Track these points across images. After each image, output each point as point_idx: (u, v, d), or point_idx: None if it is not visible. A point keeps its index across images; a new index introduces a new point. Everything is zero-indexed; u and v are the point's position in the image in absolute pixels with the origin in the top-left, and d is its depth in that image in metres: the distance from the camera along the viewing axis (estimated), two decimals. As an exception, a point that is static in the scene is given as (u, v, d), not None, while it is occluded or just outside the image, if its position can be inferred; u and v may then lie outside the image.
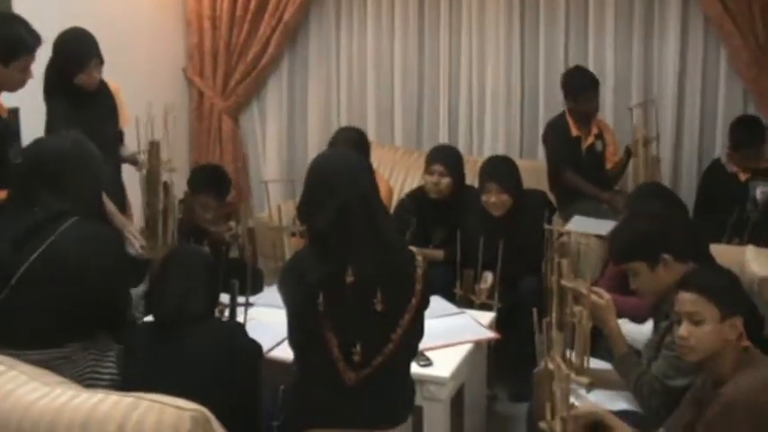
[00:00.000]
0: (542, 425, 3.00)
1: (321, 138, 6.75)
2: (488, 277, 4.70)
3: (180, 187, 4.90)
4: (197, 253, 3.49)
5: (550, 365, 3.00)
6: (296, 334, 3.06)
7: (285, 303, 3.05)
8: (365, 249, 2.96)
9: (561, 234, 5.17)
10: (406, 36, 6.71)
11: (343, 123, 6.66)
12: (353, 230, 2.95)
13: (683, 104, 6.29)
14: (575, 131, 5.88)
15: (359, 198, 2.98)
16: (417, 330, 3.12)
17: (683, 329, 2.91)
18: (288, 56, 7.03)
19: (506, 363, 4.68)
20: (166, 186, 4.46)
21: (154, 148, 4.52)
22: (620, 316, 3.65)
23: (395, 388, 3.13)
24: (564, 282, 3.41)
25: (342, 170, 3.04)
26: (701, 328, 2.88)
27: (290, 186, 6.84)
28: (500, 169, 5.01)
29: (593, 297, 3.41)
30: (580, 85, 5.84)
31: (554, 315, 3.31)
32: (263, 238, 5.32)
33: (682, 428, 3.05)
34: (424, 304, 3.10)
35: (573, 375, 2.99)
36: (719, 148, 6.11)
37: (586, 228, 5.33)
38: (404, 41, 6.72)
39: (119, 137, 4.90)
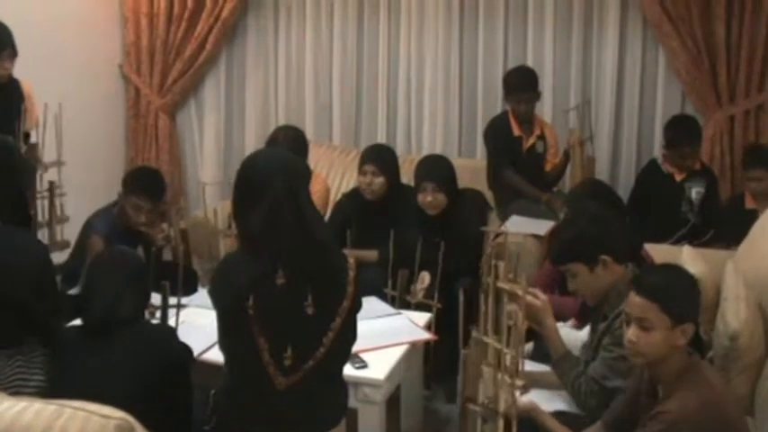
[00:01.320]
0: (472, 407, 2.99)
1: (259, 136, 6.70)
2: (426, 277, 4.67)
3: (109, 187, 4.84)
4: (126, 255, 3.42)
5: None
6: (226, 337, 3.02)
7: (215, 306, 2.99)
8: (296, 251, 2.91)
9: (498, 235, 5.20)
10: (345, 34, 6.67)
11: (281, 122, 6.61)
12: (284, 232, 2.90)
13: (621, 105, 6.31)
14: (516, 131, 5.86)
15: (290, 199, 2.93)
16: (350, 334, 3.08)
17: (632, 333, 2.88)
18: (225, 54, 6.96)
19: (443, 363, 4.65)
20: (52, 187, 4.42)
21: (32, 149, 4.49)
22: (554, 316, 3.63)
23: (327, 392, 3.09)
24: (500, 283, 3.40)
25: (273, 170, 2.98)
26: (650, 334, 2.84)
27: (227, 186, 6.81)
28: (435, 168, 5.00)
29: (529, 298, 3.39)
30: (517, 84, 5.83)
31: (489, 317, 3.28)
32: (198, 238, 5.27)
33: (619, 415, 3.07)
34: (357, 307, 3.07)
35: (507, 379, 2.96)
36: (657, 149, 6.13)
37: (524, 228, 5.33)
38: (342, 40, 6.68)
39: (23, 137, 4.79)
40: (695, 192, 5.52)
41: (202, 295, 4.26)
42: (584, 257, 3.39)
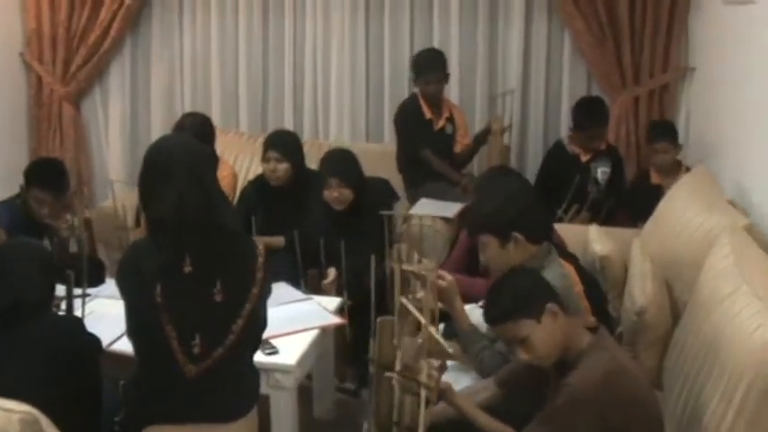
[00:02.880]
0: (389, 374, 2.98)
1: (165, 123, 6.60)
2: (332, 272, 4.67)
3: (11, 178, 4.74)
4: (31, 245, 3.34)
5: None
6: (134, 326, 2.97)
7: (122, 295, 2.95)
8: (203, 238, 2.88)
9: (406, 219, 5.22)
10: (251, 20, 6.60)
11: (188, 109, 6.53)
12: (191, 218, 2.86)
13: (527, 88, 6.36)
14: (427, 114, 5.88)
15: (197, 185, 2.89)
16: (260, 320, 3.05)
17: (521, 354, 2.91)
18: (130, 40, 6.83)
19: (356, 353, 4.64)
20: None
21: None
22: (465, 297, 3.68)
23: (237, 379, 3.05)
24: (405, 266, 3.42)
25: (179, 156, 2.95)
26: (531, 342, 2.87)
27: (134, 173, 6.71)
28: (340, 164, 4.93)
29: (437, 280, 3.43)
30: (426, 65, 5.84)
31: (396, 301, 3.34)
32: (105, 228, 5.19)
33: (513, 381, 3.15)
34: (266, 293, 3.04)
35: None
36: (565, 131, 6.21)
37: (433, 210, 5.37)
38: (248, 25, 6.61)
39: None
40: (601, 172, 5.54)
41: (110, 286, 4.19)
42: (496, 230, 3.43)
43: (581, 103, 5.81)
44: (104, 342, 3.48)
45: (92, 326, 3.28)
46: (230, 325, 2.93)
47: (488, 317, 3.02)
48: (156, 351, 2.92)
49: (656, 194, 5.09)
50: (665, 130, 5.52)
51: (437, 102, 5.90)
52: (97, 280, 4.42)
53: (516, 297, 2.93)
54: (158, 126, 6.78)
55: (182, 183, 2.86)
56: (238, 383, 3.06)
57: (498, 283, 3.07)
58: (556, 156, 5.77)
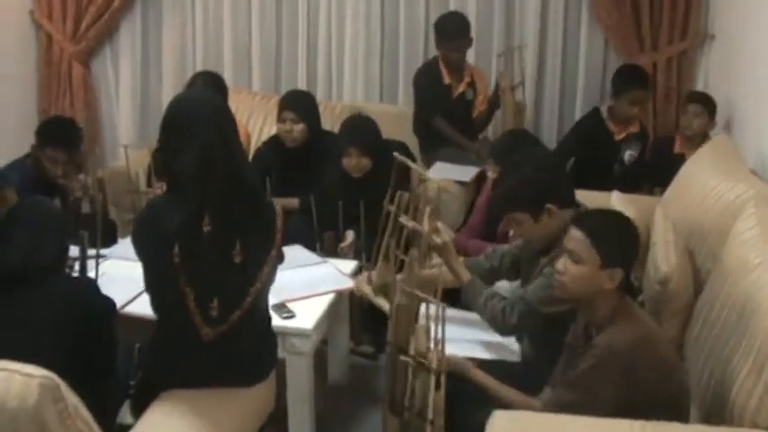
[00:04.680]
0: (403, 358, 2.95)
1: (176, 83, 6.51)
2: (349, 235, 4.62)
3: (21, 137, 4.67)
4: (43, 205, 3.25)
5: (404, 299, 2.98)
6: (151, 287, 2.91)
7: (139, 255, 2.89)
8: (224, 197, 2.81)
9: (422, 181, 5.14)
10: (264, -23, 6.51)
11: (199, 68, 6.41)
12: (213, 176, 2.78)
13: (544, 50, 6.26)
14: (447, 79, 5.80)
15: (221, 142, 2.82)
16: (272, 283, 3.01)
17: (561, 263, 2.89)
18: (141, -2, 6.74)
19: (374, 317, 4.60)
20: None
21: None
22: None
23: (255, 343, 3.00)
24: (402, 219, 3.42)
25: (200, 111, 2.87)
26: (578, 267, 2.83)
27: (144, 133, 6.66)
28: (360, 132, 4.85)
29: (432, 236, 3.47)
30: (450, 31, 5.73)
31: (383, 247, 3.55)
32: (116, 188, 5.13)
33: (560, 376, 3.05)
34: (281, 257, 3.00)
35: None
36: (581, 96, 6.15)
37: (448, 174, 5.31)
38: (261, -18, 6.51)
39: None
40: (628, 154, 5.46)
41: (123, 246, 4.15)
42: (529, 206, 3.35)
43: (622, 67, 5.68)
44: (117, 305, 3.42)
45: (104, 287, 3.22)
46: (248, 287, 2.87)
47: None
48: (172, 312, 2.87)
49: (677, 164, 4.97)
50: (702, 96, 5.41)
51: (459, 67, 5.81)
52: (110, 240, 4.37)
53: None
54: (170, 86, 6.68)
55: (204, 137, 2.79)
56: (256, 347, 3.01)
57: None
58: (592, 126, 5.58)
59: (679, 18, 5.87)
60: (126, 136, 6.70)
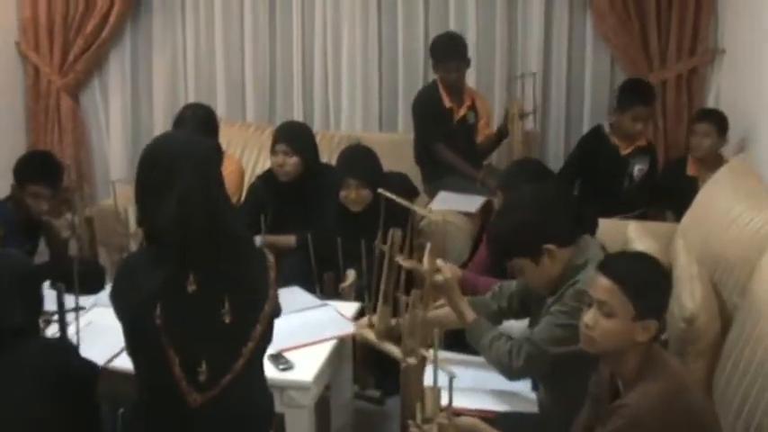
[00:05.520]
0: (412, 428, 2.74)
1: (168, 116, 6.29)
2: (350, 275, 4.41)
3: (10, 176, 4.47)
4: (9, 261, 2.92)
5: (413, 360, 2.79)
6: (132, 350, 2.66)
7: (117, 316, 2.63)
8: (209, 251, 2.55)
9: (424, 216, 4.94)
10: (257, 4, 6.31)
11: (191, 99, 6.26)
12: (195, 228, 2.53)
13: (548, 72, 6.09)
14: (447, 102, 5.62)
15: (201, 190, 2.55)
16: (268, 340, 2.76)
17: (590, 316, 2.63)
18: (130, 28, 6.53)
19: (376, 357, 4.38)
20: None
21: None
22: None
23: (248, 406, 2.74)
24: (399, 260, 3.20)
25: (179, 157, 2.60)
26: (609, 321, 2.58)
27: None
28: (359, 163, 4.65)
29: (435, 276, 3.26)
30: (445, 52, 5.56)
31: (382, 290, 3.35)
32: (106, 228, 4.91)
33: (582, 428, 2.85)
34: (277, 311, 2.74)
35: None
36: (587, 120, 5.97)
37: (453, 204, 5.13)
38: (254, 10, 6.31)
39: None
40: (638, 169, 5.34)
41: (109, 292, 3.91)
42: (526, 252, 3.14)
43: (627, 81, 5.52)
44: (104, 358, 3.23)
45: (90, 339, 3.05)
46: (240, 349, 2.62)
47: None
48: (156, 378, 2.62)
49: (690, 186, 4.89)
50: (710, 113, 5.26)
51: (458, 89, 5.62)
52: (97, 286, 4.13)
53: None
54: (161, 118, 6.50)
55: (184, 188, 2.53)
56: (249, 409, 2.74)
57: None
58: (595, 142, 5.43)
59: (688, 34, 5.70)
60: (118, 171, 6.51)
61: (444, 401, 2.63)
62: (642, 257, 2.81)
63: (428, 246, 3.33)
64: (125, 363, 3.11)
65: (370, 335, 3.59)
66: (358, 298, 4.25)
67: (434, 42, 5.66)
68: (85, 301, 3.75)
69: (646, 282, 2.62)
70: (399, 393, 4.34)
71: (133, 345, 2.64)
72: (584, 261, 3.12)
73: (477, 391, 3.32)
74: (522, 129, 5.50)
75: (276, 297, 2.69)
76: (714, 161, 5.02)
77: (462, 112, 5.66)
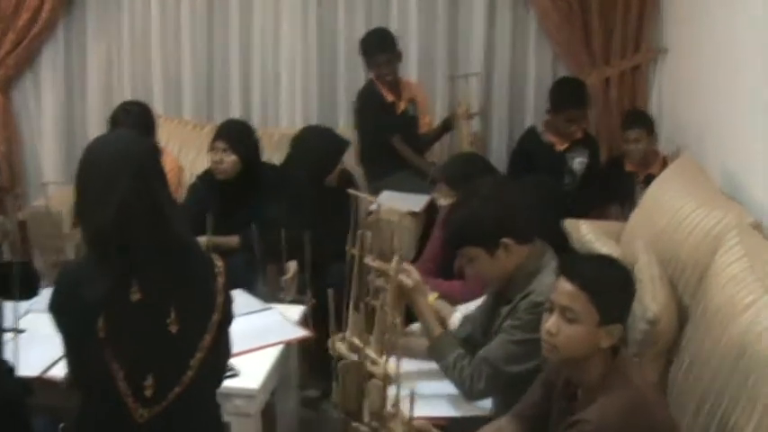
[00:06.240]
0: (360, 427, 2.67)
1: (102, 113, 6.10)
2: (292, 266, 4.33)
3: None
4: None
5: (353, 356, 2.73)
6: (73, 365, 2.52)
7: (57, 329, 2.49)
8: (153, 257, 2.42)
9: (370, 213, 4.87)
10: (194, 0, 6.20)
11: (127, 96, 6.11)
12: (137, 235, 2.40)
13: (491, 73, 6.08)
14: (389, 97, 5.59)
15: (143, 193, 2.42)
16: (222, 350, 2.62)
17: (552, 323, 2.54)
18: (63, 23, 6.34)
19: (318, 358, 4.28)
20: None
21: None
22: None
23: (196, 419, 2.61)
24: (368, 261, 3.06)
25: (118, 159, 2.46)
26: (573, 327, 2.51)
27: (71, 169, 6.27)
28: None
29: (401, 277, 3.12)
30: (374, 46, 5.56)
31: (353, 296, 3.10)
32: (40, 230, 4.75)
33: (530, 407, 2.80)
34: (228, 319, 2.60)
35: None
36: (530, 118, 5.94)
37: (397, 203, 5.03)
38: (191, 5, 6.20)
39: None
40: (578, 162, 5.35)
41: (46, 298, 3.76)
42: (482, 241, 3.07)
43: (559, 82, 5.53)
44: (40, 367, 3.12)
45: (25, 347, 2.92)
46: (188, 360, 2.48)
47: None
48: (99, 393, 2.48)
49: (630, 182, 5.01)
50: (637, 117, 5.29)
51: (395, 83, 5.60)
52: (31, 292, 3.98)
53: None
54: (96, 116, 6.31)
55: (124, 191, 2.39)
56: (198, 424, 2.62)
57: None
58: (529, 144, 5.42)
59: (631, 32, 5.72)
60: (51, 171, 6.34)
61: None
62: (605, 261, 2.74)
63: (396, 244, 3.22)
64: (62, 372, 3.01)
65: (343, 348, 3.41)
66: (299, 291, 4.21)
67: (362, 40, 5.65)
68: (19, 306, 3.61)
69: (611, 287, 2.55)
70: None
71: (74, 358, 2.51)
72: (537, 268, 3.08)
73: (437, 398, 3.24)
74: (470, 130, 5.45)
75: (226, 304, 2.57)
76: (649, 157, 5.11)
77: (403, 105, 5.65)
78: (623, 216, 4.67)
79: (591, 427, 2.43)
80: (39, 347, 3.16)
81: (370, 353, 2.64)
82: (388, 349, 2.62)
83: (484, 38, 5.98)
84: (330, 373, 4.27)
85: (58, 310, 2.47)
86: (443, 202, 4.14)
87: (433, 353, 3.22)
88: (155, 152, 2.71)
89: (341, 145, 4.91)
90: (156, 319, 2.43)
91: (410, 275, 3.19)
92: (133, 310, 2.39)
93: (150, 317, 2.43)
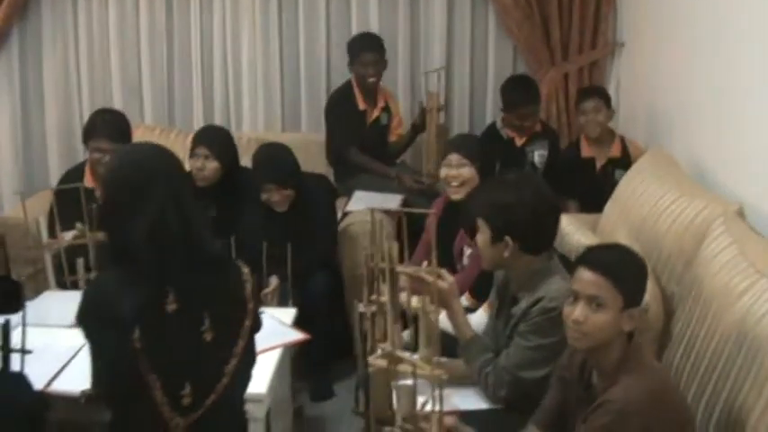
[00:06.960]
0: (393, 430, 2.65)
1: (61, 121, 6.17)
2: (273, 281, 4.32)
3: None
4: None
5: (381, 362, 2.64)
6: (105, 378, 2.51)
7: (90, 344, 2.48)
8: (187, 268, 2.45)
9: (345, 215, 4.91)
10: (153, 3, 6.13)
11: (86, 103, 6.11)
12: (171, 245, 2.43)
13: (452, 69, 6.11)
14: (361, 104, 5.59)
15: (175, 205, 2.45)
16: (251, 356, 2.66)
17: (580, 312, 2.60)
18: (18, 30, 6.20)
19: (305, 364, 4.39)
20: None
21: None
22: None
23: (228, 424, 2.65)
24: (400, 268, 3.04)
25: (151, 171, 2.48)
26: (600, 314, 2.58)
27: (30, 178, 6.21)
28: (276, 164, 4.55)
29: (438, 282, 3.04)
30: (359, 47, 5.56)
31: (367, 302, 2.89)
32: (11, 241, 4.68)
33: (551, 412, 2.85)
34: (258, 325, 2.65)
35: (426, 371, 2.61)
36: (491, 113, 5.99)
37: (371, 204, 5.03)
38: (150, 10, 6.13)
39: None
40: (538, 155, 5.38)
41: (34, 310, 3.70)
42: (491, 225, 3.17)
43: (509, 81, 5.54)
44: (41, 382, 3.03)
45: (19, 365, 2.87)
46: (222, 367, 2.52)
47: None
48: (135, 405, 2.49)
49: (588, 168, 5.10)
50: (593, 89, 5.36)
51: (372, 90, 5.59)
52: (16, 305, 3.94)
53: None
54: (54, 126, 6.25)
55: (159, 202, 2.42)
56: (228, 430, 2.66)
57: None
58: (490, 140, 5.42)
59: (589, 27, 5.80)
60: (8, 182, 6.25)
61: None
62: (620, 248, 2.84)
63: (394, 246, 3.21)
64: (64, 385, 3.01)
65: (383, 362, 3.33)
66: (281, 304, 4.21)
67: (351, 40, 5.66)
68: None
69: (630, 271, 2.67)
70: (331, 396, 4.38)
71: (107, 372, 2.50)
72: (543, 268, 3.15)
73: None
74: (437, 123, 5.49)
75: (255, 310, 2.61)
76: (608, 137, 5.15)
77: (376, 113, 5.66)
78: (580, 212, 4.84)
79: (618, 406, 2.50)
80: (35, 362, 3.05)
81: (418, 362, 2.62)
82: (438, 354, 2.63)
83: (444, 35, 6.02)
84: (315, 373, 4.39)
85: (90, 323, 2.47)
86: (453, 172, 4.18)
87: (463, 353, 3.26)
88: (181, 163, 2.72)
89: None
90: (191, 328, 2.46)
91: (445, 278, 3.18)
92: (169, 320, 2.42)
93: (186, 326, 2.46)
